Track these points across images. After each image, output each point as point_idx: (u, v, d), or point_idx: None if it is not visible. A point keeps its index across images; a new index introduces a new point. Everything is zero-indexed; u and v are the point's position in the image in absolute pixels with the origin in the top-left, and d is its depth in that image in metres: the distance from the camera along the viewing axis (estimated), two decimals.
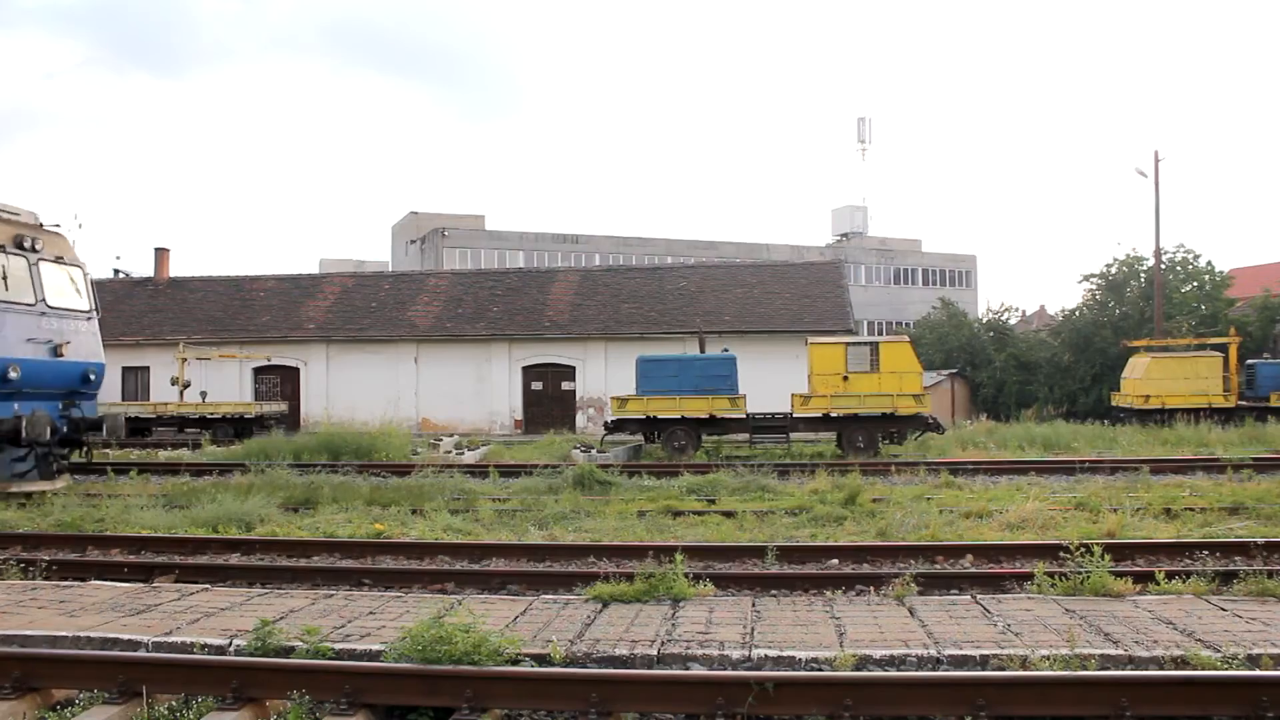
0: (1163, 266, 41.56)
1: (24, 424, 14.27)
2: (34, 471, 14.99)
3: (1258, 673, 5.31)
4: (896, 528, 11.17)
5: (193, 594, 7.75)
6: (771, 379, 28.88)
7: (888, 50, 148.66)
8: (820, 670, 5.60)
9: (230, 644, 6.11)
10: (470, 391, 37.14)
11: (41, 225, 15.58)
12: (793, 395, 23.48)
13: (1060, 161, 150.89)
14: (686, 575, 7.67)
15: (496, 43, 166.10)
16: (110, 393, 34.78)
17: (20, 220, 15.19)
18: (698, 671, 5.62)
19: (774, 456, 22.01)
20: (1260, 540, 9.52)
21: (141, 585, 8.25)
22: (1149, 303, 41.33)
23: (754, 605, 7.17)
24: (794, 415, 23.18)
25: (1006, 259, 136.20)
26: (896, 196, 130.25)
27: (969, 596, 7.50)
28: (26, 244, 14.94)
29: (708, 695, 5.03)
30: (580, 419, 36.79)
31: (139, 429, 30.92)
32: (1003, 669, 5.52)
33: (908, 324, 61.27)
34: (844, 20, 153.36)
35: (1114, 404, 33.84)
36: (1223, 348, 33.25)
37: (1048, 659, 5.55)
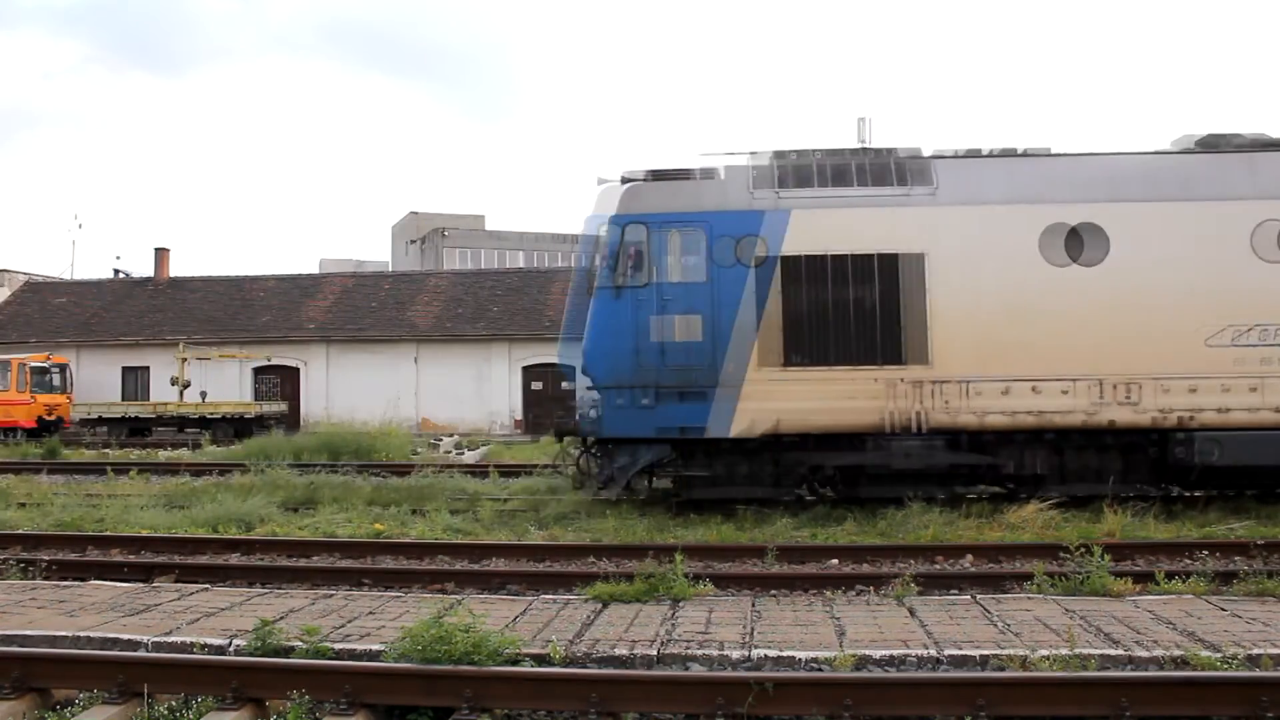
0: None
1: None
2: None
3: (1258, 673, 5.32)
4: (897, 528, 11.16)
5: (192, 594, 7.76)
6: None
7: (888, 50, 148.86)
8: (820, 670, 5.61)
9: (230, 644, 6.11)
10: (470, 391, 37.07)
11: None
12: None
13: None
14: (686, 575, 7.67)
15: (495, 43, 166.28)
16: (109, 392, 34.87)
17: None
18: (698, 671, 5.63)
19: None
20: (1260, 540, 9.54)
21: (141, 585, 8.26)
22: None
23: (754, 605, 7.18)
24: None
25: None
26: None
27: (969, 596, 7.50)
28: None
29: (708, 695, 5.03)
30: None
31: (139, 429, 31.02)
32: (1003, 669, 5.53)
33: None
34: (844, 20, 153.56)
35: None
36: None
37: (1048, 659, 5.56)
